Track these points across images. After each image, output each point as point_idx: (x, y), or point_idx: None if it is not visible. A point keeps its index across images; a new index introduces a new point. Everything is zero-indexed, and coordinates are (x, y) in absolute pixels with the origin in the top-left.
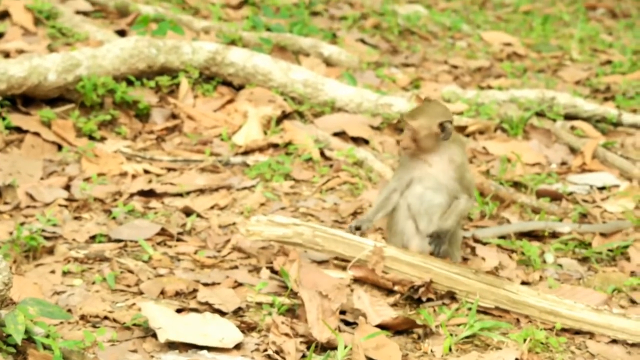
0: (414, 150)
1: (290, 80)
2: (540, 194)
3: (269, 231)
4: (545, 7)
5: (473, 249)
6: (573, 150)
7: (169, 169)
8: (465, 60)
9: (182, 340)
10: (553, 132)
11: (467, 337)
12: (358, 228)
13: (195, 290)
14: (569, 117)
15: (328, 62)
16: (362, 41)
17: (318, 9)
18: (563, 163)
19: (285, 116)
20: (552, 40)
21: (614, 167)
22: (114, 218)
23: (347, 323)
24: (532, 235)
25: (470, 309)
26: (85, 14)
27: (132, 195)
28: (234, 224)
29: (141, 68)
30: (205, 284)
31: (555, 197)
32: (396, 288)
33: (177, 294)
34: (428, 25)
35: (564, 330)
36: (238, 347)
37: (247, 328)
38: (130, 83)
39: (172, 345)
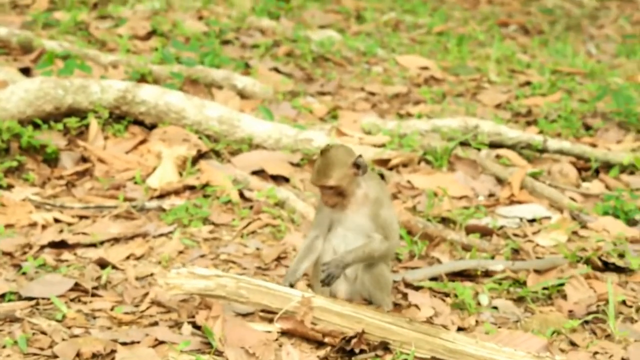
0: (342, 200)
1: (205, 118)
2: (469, 230)
3: (189, 284)
4: (459, 26)
5: (405, 294)
6: (500, 181)
7: (81, 217)
8: (382, 87)
9: None
10: (479, 162)
11: None
12: (291, 285)
13: (113, 351)
14: (493, 145)
15: (242, 94)
16: (276, 70)
17: (229, 37)
18: (491, 195)
19: (201, 156)
20: (469, 61)
21: (543, 197)
22: (24, 273)
23: None
24: (464, 275)
25: None
26: None
27: (42, 247)
28: (151, 274)
29: (48, 110)
30: (124, 344)
31: (486, 232)
32: (327, 340)
33: (94, 355)
34: (342, 50)
35: None
36: None
37: None
38: (37, 126)
39: None
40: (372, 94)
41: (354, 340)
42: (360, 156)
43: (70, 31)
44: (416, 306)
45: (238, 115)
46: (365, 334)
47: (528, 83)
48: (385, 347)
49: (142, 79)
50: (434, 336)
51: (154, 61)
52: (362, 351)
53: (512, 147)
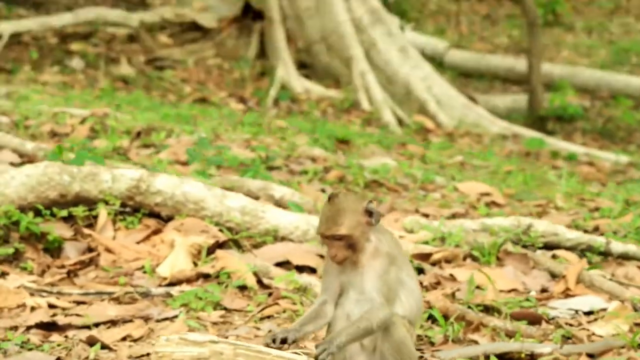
0: (351, 255)
1: (226, 208)
2: (515, 317)
3: (180, 352)
4: (530, 167)
5: None
6: (554, 277)
7: (78, 302)
8: (438, 209)
9: None
10: (530, 257)
11: None
12: (284, 340)
13: None
14: (549, 246)
15: (279, 205)
16: (323, 191)
17: (277, 164)
18: (543, 290)
19: (219, 246)
20: (535, 190)
21: (602, 291)
22: (4, 352)
23: None
24: (505, 359)
25: None
26: None
27: (29, 328)
28: (147, 354)
29: (52, 197)
30: None
31: (534, 320)
32: None
33: None
34: (397, 177)
35: None
36: None
37: None
38: (39, 214)
39: None
40: (427, 215)
41: None
42: (371, 201)
43: (108, 155)
44: None
45: (262, 207)
46: None
47: (597, 209)
48: None
49: None
50: None
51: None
52: None
53: (570, 249)
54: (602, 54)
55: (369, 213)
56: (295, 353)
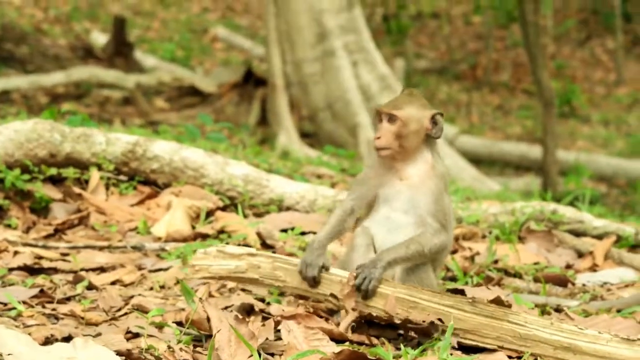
0: (394, 153)
1: (228, 176)
2: (540, 280)
3: (218, 265)
4: None
5: None
6: (581, 255)
7: (66, 255)
8: None
9: None
10: (555, 234)
11: None
12: (316, 280)
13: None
14: (574, 234)
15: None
16: None
17: None
18: (568, 267)
19: (220, 209)
20: None
21: (633, 267)
22: None
23: None
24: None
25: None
26: None
27: (11, 269)
28: (139, 295)
29: (41, 156)
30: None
31: (560, 282)
32: None
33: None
34: None
35: None
36: None
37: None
38: (26, 170)
39: None
40: None
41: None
42: (441, 113)
43: None
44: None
45: (267, 175)
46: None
47: None
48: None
49: None
50: (500, 319)
51: None
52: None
53: (597, 237)
54: (619, 144)
55: (434, 122)
56: None
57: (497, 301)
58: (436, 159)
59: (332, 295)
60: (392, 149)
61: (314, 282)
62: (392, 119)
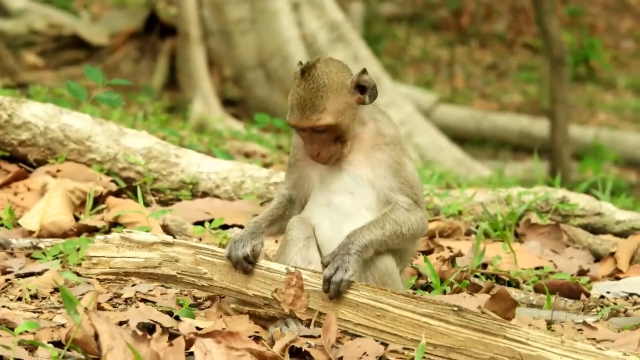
0: (341, 155)
1: (123, 150)
2: (543, 290)
3: (121, 258)
4: None
5: None
6: (598, 258)
7: None
8: None
9: None
10: (565, 230)
11: None
12: (247, 259)
13: None
14: (591, 230)
15: None
16: None
17: None
18: (581, 273)
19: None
20: None
21: None
22: None
23: None
24: None
25: None
26: None
27: None
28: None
29: None
30: None
31: (571, 293)
32: None
33: None
34: None
35: None
36: None
37: None
38: None
39: None
40: None
41: None
42: (364, 71)
43: None
44: None
45: (177, 150)
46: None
47: None
48: None
49: None
50: (495, 335)
51: None
52: None
53: (621, 235)
54: None
55: (361, 88)
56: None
57: (499, 297)
58: (380, 122)
59: (273, 296)
60: (337, 153)
61: (246, 264)
62: (318, 129)
